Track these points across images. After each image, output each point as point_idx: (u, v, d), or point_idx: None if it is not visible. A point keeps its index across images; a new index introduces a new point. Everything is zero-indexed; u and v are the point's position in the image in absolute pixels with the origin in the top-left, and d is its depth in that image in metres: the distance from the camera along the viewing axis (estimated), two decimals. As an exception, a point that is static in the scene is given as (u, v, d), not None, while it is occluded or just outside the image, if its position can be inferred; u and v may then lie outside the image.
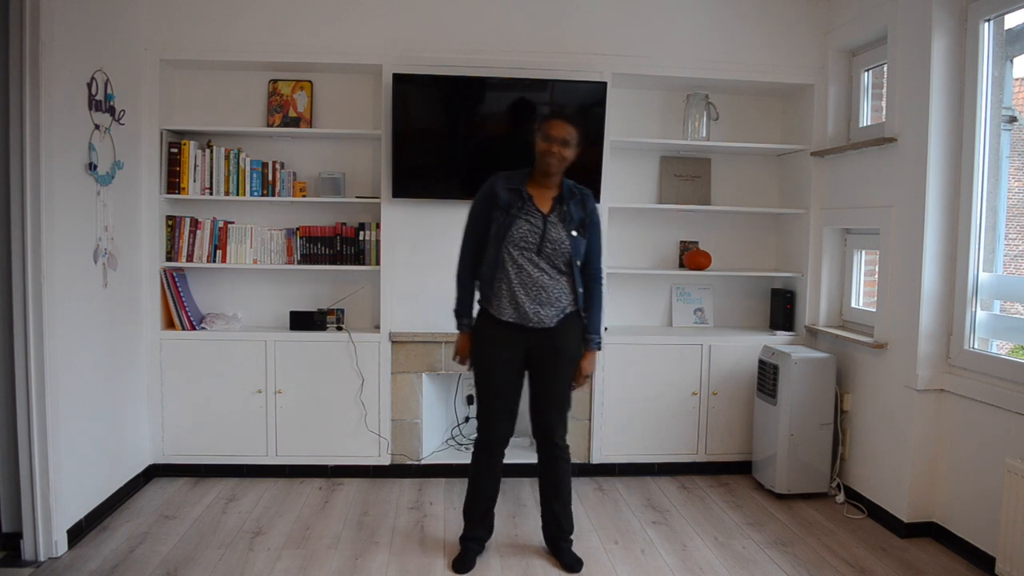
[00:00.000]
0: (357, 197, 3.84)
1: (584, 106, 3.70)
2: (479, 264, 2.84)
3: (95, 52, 3.13)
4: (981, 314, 3.07)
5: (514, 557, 2.97)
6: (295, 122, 3.83)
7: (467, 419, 4.13)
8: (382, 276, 3.76)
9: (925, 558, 3.03)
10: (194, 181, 3.71)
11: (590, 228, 2.84)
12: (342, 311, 3.88)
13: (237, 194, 3.73)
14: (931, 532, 3.20)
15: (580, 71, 3.74)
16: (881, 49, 3.57)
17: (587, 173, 3.70)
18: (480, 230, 2.83)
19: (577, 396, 3.77)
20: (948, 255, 3.13)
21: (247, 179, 3.73)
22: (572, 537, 2.97)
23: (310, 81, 3.86)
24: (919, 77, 3.14)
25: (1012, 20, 2.98)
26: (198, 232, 3.76)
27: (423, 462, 3.84)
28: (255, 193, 3.74)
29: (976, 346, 3.08)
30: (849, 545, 3.14)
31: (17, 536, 2.85)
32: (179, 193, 3.69)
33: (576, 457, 3.85)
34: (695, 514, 3.45)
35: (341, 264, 3.81)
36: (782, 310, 4.07)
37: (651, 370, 3.87)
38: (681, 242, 4.21)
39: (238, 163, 3.72)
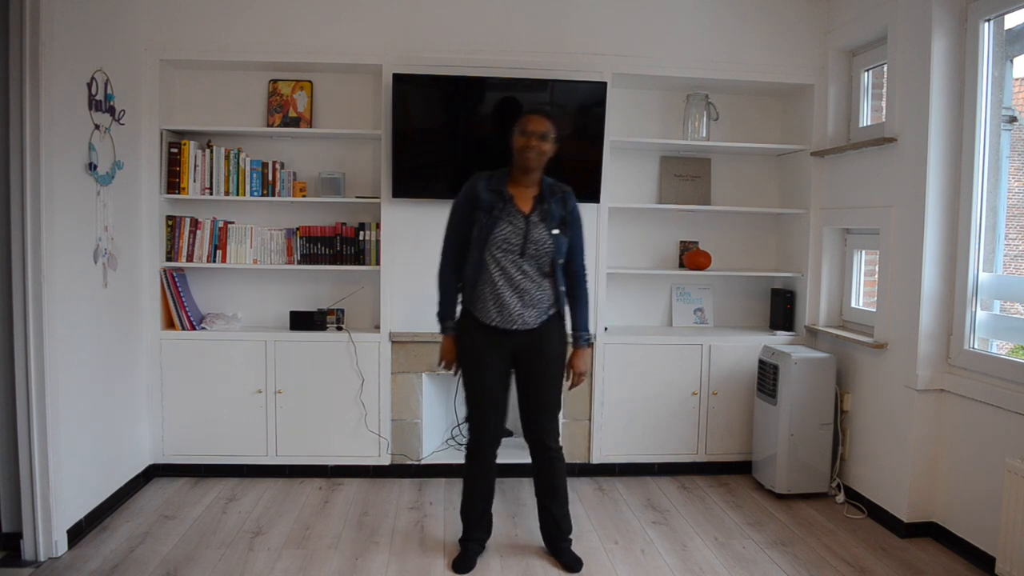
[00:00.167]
0: (357, 197, 3.84)
1: (584, 106, 3.70)
2: (462, 266, 2.83)
3: (95, 52, 3.13)
4: (981, 314, 3.07)
5: (514, 557, 2.97)
6: (295, 122, 3.83)
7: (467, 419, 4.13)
8: (382, 276, 3.77)
9: (925, 558, 3.03)
10: (194, 181, 3.71)
11: (572, 226, 2.83)
12: (342, 311, 3.88)
13: (237, 194, 3.73)
14: (931, 532, 3.20)
15: (580, 71, 3.74)
16: (881, 49, 3.57)
17: (587, 173, 3.71)
18: (462, 231, 2.82)
19: (577, 396, 3.80)
20: (948, 255, 3.13)
21: (247, 179, 3.73)
22: (571, 537, 2.97)
23: (310, 81, 3.86)
24: (919, 77, 3.14)
25: (1012, 20, 2.98)
26: (198, 232, 3.76)
27: (423, 462, 3.84)
28: (255, 193, 3.74)
29: (976, 346, 3.08)
30: (849, 545, 3.14)
31: (17, 536, 2.85)
32: (179, 193, 3.69)
33: (576, 457, 3.86)
34: (695, 514, 3.45)
35: (341, 264, 3.81)
36: (782, 310, 4.07)
37: (651, 370, 3.87)
38: (681, 242, 4.21)
39: (238, 163, 3.72)
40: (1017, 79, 3.16)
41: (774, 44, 3.87)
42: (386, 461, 3.81)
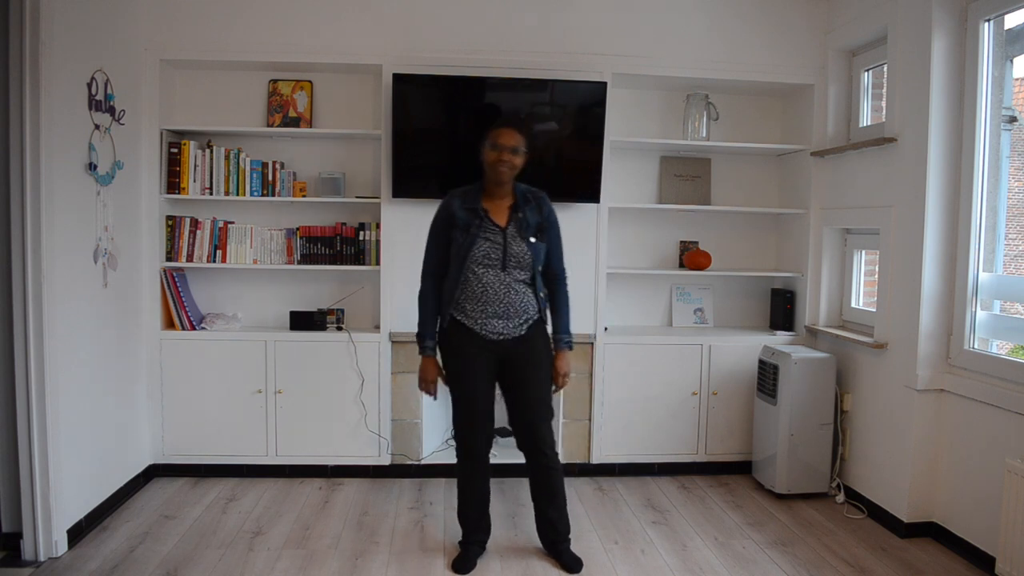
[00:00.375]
0: (357, 197, 3.84)
1: (584, 106, 3.70)
2: (442, 285, 2.81)
3: (95, 52, 3.13)
4: (981, 314, 3.07)
5: (514, 558, 2.97)
6: (295, 122, 3.83)
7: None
8: (382, 276, 3.76)
9: (925, 558, 3.03)
10: (194, 181, 3.71)
11: (548, 231, 2.82)
12: (342, 311, 3.88)
13: (237, 194, 3.73)
14: (931, 532, 3.20)
15: (580, 71, 3.74)
16: (881, 49, 3.57)
17: (587, 173, 3.71)
18: (441, 251, 2.80)
19: (577, 396, 3.80)
20: (948, 255, 3.13)
21: (247, 179, 3.73)
22: (570, 537, 2.96)
23: (310, 81, 3.86)
24: (919, 77, 3.14)
25: (1012, 20, 2.98)
26: (198, 232, 3.76)
27: (423, 462, 3.84)
28: (255, 193, 3.74)
29: (976, 346, 3.07)
30: (849, 545, 3.14)
31: (17, 536, 2.85)
32: (179, 193, 3.69)
33: (576, 457, 3.86)
34: (695, 514, 3.45)
35: (341, 264, 3.81)
36: (782, 310, 4.07)
37: (651, 370, 3.87)
38: (681, 242, 4.21)
39: (238, 163, 3.72)
40: (1017, 79, 3.16)
41: (774, 44, 3.87)
42: (386, 461, 3.81)
